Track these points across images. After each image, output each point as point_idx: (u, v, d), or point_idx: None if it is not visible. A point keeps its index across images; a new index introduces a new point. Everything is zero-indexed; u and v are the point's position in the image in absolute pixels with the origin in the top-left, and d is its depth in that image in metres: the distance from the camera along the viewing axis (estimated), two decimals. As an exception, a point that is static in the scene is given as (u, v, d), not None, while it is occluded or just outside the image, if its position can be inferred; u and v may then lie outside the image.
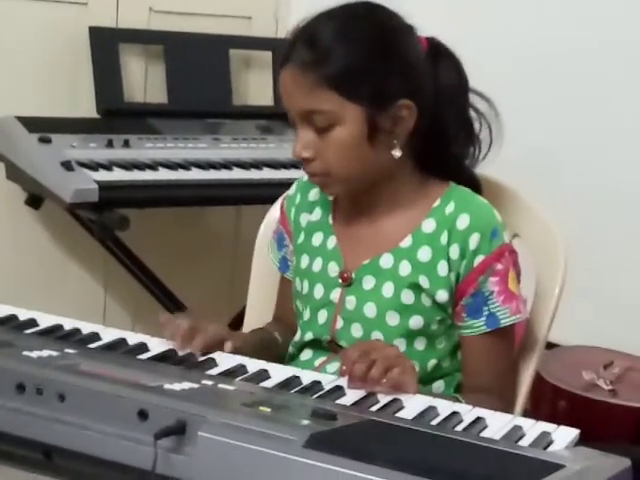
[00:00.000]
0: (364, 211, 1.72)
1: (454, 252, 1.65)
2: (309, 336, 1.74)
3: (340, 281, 1.71)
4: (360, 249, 1.71)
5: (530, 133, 3.08)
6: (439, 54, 1.69)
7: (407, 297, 1.66)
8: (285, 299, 1.85)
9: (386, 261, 1.68)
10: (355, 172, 1.64)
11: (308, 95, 1.60)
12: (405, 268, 1.67)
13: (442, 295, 1.65)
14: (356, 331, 1.69)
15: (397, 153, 1.64)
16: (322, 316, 1.73)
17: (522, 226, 1.85)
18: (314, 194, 1.80)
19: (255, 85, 3.30)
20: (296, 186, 1.84)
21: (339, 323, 1.71)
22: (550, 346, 2.80)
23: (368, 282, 1.69)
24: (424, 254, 1.66)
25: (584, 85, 3.08)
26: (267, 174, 2.87)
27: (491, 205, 1.69)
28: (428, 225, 1.68)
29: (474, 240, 1.64)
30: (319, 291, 1.73)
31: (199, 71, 3.12)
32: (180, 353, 1.57)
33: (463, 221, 1.65)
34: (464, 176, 1.72)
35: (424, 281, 1.66)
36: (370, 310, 1.68)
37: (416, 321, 1.66)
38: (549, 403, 2.75)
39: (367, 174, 1.65)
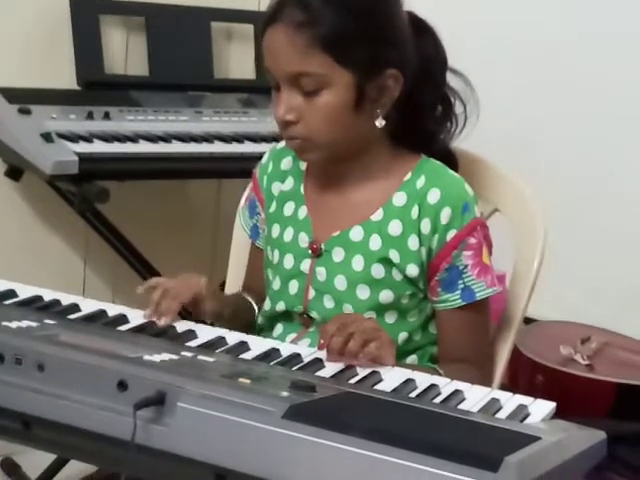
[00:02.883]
0: (335, 182, 1.72)
1: (425, 227, 1.64)
2: (281, 306, 1.74)
3: (310, 252, 1.71)
4: (330, 220, 1.70)
5: (512, 111, 3.10)
6: (419, 27, 1.69)
7: (377, 271, 1.66)
8: (255, 267, 1.85)
9: (356, 234, 1.68)
10: (336, 139, 1.63)
11: (300, 56, 1.58)
12: (375, 242, 1.66)
13: (412, 269, 1.65)
14: (328, 302, 1.69)
15: (381, 122, 1.64)
16: (293, 286, 1.73)
17: (501, 200, 1.86)
18: (286, 163, 1.79)
19: (237, 58, 3.29)
20: (269, 155, 1.83)
21: (311, 294, 1.71)
22: (528, 321, 2.83)
23: (338, 254, 1.69)
24: (395, 228, 1.66)
25: (566, 70, 3.11)
26: (248, 147, 2.86)
27: (463, 179, 1.69)
28: (399, 198, 1.67)
29: (445, 215, 1.64)
30: (289, 261, 1.73)
31: (180, 43, 3.10)
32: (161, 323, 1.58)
33: (434, 195, 1.65)
34: (437, 149, 1.71)
35: (394, 255, 1.65)
36: (340, 283, 1.68)
37: (386, 295, 1.66)
38: (526, 377, 2.77)
39: (347, 142, 1.64)
